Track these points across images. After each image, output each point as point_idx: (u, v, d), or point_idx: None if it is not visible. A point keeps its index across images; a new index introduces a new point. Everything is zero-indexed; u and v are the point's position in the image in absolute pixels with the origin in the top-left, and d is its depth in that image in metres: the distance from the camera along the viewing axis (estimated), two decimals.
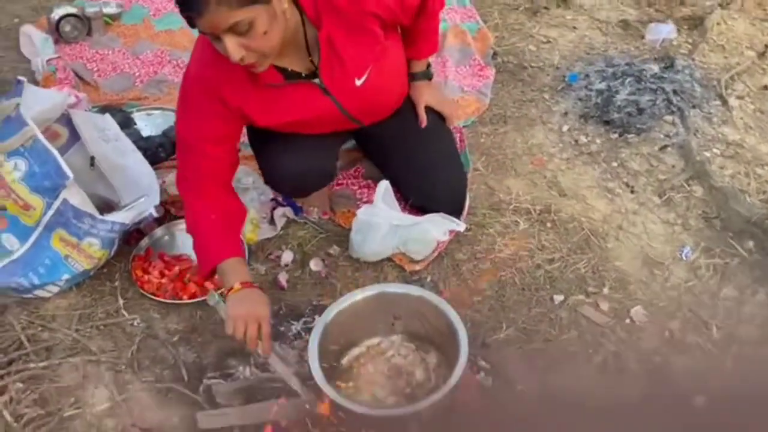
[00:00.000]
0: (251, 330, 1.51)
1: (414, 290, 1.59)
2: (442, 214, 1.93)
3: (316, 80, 1.68)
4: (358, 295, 1.58)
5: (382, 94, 1.83)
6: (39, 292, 1.82)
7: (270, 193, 2.10)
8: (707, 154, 2.22)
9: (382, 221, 1.83)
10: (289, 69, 1.66)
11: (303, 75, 1.68)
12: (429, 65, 2.01)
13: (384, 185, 1.86)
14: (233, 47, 1.42)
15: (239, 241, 1.73)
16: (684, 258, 1.94)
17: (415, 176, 1.94)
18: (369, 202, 1.94)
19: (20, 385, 1.63)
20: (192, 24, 1.41)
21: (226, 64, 1.50)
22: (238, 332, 1.51)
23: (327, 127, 1.83)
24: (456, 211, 1.97)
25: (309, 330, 1.66)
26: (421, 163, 1.93)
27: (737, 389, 1.61)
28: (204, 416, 1.55)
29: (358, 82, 1.71)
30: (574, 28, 2.86)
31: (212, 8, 1.36)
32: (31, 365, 1.67)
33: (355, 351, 1.61)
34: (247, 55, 1.45)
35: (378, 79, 1.74)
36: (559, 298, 1.84)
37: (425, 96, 1.97)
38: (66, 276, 1.81)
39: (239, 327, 1.51)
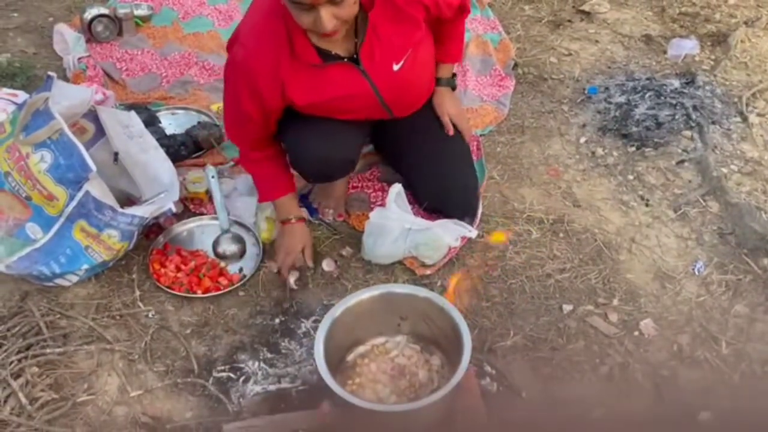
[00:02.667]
0: (290, 259, 1.89)
1: (420, 291, 1.61)
2: (454, 220, 1.95)
3: (356, 63, 1.75)
4: (365, 294, 1.60)
5: (413, 83, 1.89)
6: (59, 281, 1.87)
7: None
8: (724, 170, 2.21)
9: (394, 224, 1.85)
10: (332, 52, 1.72)
11: (344, 58, 1.74)
12: (454, 75, 2.07)
13: (397, 188, 1.89)
14: (328, 17, 1.53)
15: (291, 177, 1.97)
16: (696, 273, 1.93)
17: (429, 177, 1.97)
18: (383, 205, 1.96)
19: (36, 369, 1.68)
20: None
21: (275, 43, 1.64)
22: (280, 260, 1.90)
23: (359, 112, 1.88)
24: (467, 215, 1.99)
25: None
26: (437, 165, 1.97)
27: (744, 406, 1.60)
28: (232, 428, 1.57)
29: (396, 67, 1.78)
30: (596, 41, 2.87)
31: None
32: (48, 351, 1.72)
33: (361, 349, 1.63)
34: (335, 25, 1.55)
35: (412, 67, 1.82)
36: (568, 307, 1.84)
37: (447, 104, 2.02)
38: (85, 266, 1.85)
39: (281, 257, 1.91)
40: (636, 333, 1.78)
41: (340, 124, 1.87)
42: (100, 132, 1.98)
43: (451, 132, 2.01)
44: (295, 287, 1.89)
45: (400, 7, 1.72)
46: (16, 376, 1.66)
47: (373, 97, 1.82)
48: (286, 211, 1.94)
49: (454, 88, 2.08)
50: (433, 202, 1.99)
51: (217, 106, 2.53)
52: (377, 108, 1.87)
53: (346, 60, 1.75)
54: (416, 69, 1.85)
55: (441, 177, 1.97)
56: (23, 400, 1.61)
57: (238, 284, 1.91)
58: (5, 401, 1.62)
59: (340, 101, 1.81)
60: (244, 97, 1.77)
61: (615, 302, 1.86)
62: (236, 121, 1.87)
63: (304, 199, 2.10)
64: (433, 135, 2.01)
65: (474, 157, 2.30)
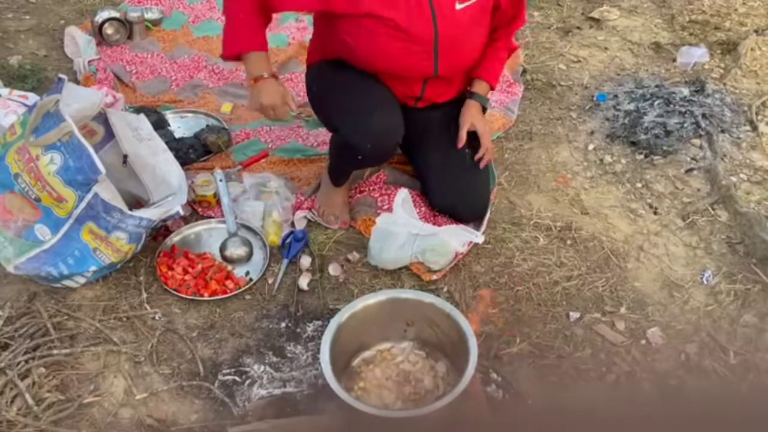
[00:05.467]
0: (277, 113, 1.86)
1: (426, 297, 1.61)
2: (461, 225, 1.95)
3: None
4: (372, 299, 1.61)
5: (470, 34, 1.85)
6: (67, 282, 1.88)
7: (293, 198, 2.15)
8: (734, 179, 2.19)
9: (400, 230, 1.85)
10: None
11: None
12: (488, 100, 2.06)
13: (403, 194, 1.89)
14: None
15: (266, 38, 1.90)
16: (705, 282, 1.92)
17: (445, 175, 1.99)
18: (389, 210, 1.97)
19: (43, 370, 1.69)
20: None
21: None
22: (268, 115, 1.87)
23: (407, 57, 1.81)
24: (476, 219, 2.01)
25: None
26: (455, 165, 1.99)
27: (752, 416, 1.58)
28: (236, 431, 1.57)
29: (459, 6, 1.77)
30: (606, 48, 2.86)
31: None
32: (55, 352, 1.72)
33: (366, 354, 1.63)
34: None
35: (471, 17, 1.80)
36: (575, 315, 1.84)
37: (474, 118, 2.01)
38: (93, 267, 1.86)
39: (268, 112, 1.87)
40: (643, 342, 1.77)
41: (384, 97, 1.86)
42: (110, 135, 1.99)
43: (462, 144, 2.00)
44: (306, 288, 1.89)
45: None
46: (23, 376, 1.66)
47: (430, 36, 1.77)
48: (259, 68, 1.86)
49: (485, 109, 2.07)
50: (443, 202, 2.00)
51: (230, 107, 2.54)
52: (427, 54, 1.81)
53: None
54: (474, 23, 1.83)
55: (456, 180, 1.98)
56: (30, 400, 1.62)
57: (245, 288, 1.91)
58: (12, 401, 1.62)
59: (402, 18, 1.74)
60: None
61: (622, 310, 1.85)
62: None
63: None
64: (456, 139, 2.01)
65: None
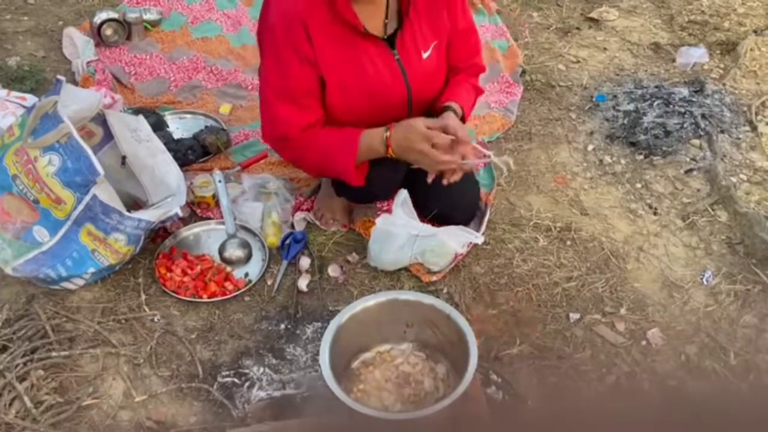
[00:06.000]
0: (443, 139, 1.67)
1: (426, 298, 1.60)
2: (461, 226, 1.94)
3: (390, 45, 1.72)
4: (371, 301, 1.60)
5: (433, 78, 1.85)
6: (65, 284, 1.87)
7: (292, 199, 2.14)
8: (733, 179, 2.19)
9: (400, 231, 1.85)
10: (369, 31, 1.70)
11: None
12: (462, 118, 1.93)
13: (402, 194, 1.88)
14: None
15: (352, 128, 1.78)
16: (705, 283, 1.92)
17: (435, 191, 1.95)
18: (389, 211, 1.96)
19: (42, 372, 1.68)
20: None
21: (317, 3, 1.60)
22: (434, 153, 1.67)
23: (389, 109, 1.78)
24: (469, 219, 2.01)
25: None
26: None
27: (752, 417, 1.58)
28: None
29: (424, 55, 1.77)
30: (605, 49, 2.86)
31: None
32: (54, 354, 1.72)
33: (366, 356, 1.63)
34: None
35: (435, 60, 1.80)
36: (575, 316, 1.83)
37: (450, 119, 1.91)
38: (92, 269, 1.85)
39: (428, 145, 1.67)
40: (643, 342, 1.77)
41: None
42: (108, 136, 1.98)
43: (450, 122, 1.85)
44: (305, 290, 1.89)
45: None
46: (22, 379, 1.66)
47: (402, 86, 1.77)
48: (378, 133, 1.71)
49: (463, 120, 1.93)
50: (435, 206, 1.97)
51: (228, 108, 2.53)
52: (402, 100, 1.80)
53: (380, 39, 1.71)
54: (439, 62, 1.82)
55: (447, 191, 1.94)
56: (28, 403, 1.61)
57: (244, 289, 1.91)
58: (10, 404, 1.61)
59: (375, 84, 1.72)
60: (293, 64, 1.65)
61: (622, 311, 1.85)
62: (286, 102, 1.69)
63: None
64: None
65: (482, 164, 2.29)
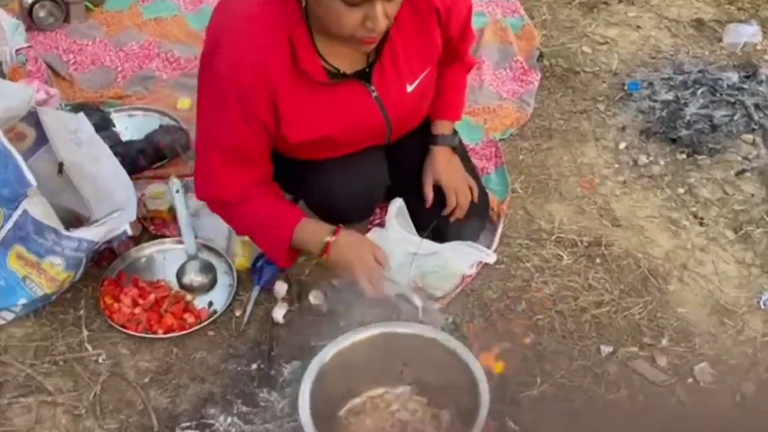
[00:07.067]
0: (377, 274, 1.74)
1: (427, 331, 1.61)
2: (468, 242, 1.94)
3: (366, 81, 1.73)
4: (361, 335, 1.60)
5: (419, 108, 1.90)
6: None
7: None
8: None
9: (395, 248, 1.84)
10: (341, 70, 1.70)
11: (350, 74, 1.72)
12: (455, 132, 2.02)
13: (397, 203, 1.89)
14: (383, 15, 1.50)
15: (296, 207, 1.87)
16: (762, 306, 1.94)
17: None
18: (381, 224, 1.96)
19: None
20: None
21: (274, 55, 1.59)
22: (368, 283, 1.74)
23: (360, 140, 1.84)
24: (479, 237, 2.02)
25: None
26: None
27: None
28: None
29: (410, 88, 1.79)
30: (638, 27, 2.89)
31: None
32: None
33: (355, 402, 1.62)
34: (387, 24, 1.54)
35: (421, 91, 1.82)
36: (607, 349, 1.84)
37: (436, 171, 1.95)
38: (23, 301, 1.85)
39: (364, 276, 1.74)
40: (690, 380, 1.78)
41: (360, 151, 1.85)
42: (42, 138, 1.98)
43: (429, 203, 1.96)
44: (281, 322, 1.89)
45: (420, 17, 1.71)
46: None
47: (381, 122, 1.80)
48: (319, 233, 1.78)
49: (455, 149, 2.00)
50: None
51: (188, 103, 2.53)
52: (380, 133, 1.84)
53: (352, 75, 1.72)
54: (428, 90, 1.86)
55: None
56: None
57: (207, 322, 1.90)
58: None
59: (343, 132, 1.77)
60: (240, 126, 1.66)
61: (664, 342, 1.86)
62: (226, 161, 1.72)
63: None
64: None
65: (492, 166, 2.30)
